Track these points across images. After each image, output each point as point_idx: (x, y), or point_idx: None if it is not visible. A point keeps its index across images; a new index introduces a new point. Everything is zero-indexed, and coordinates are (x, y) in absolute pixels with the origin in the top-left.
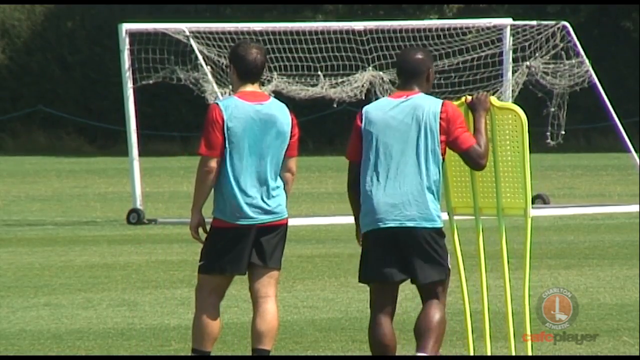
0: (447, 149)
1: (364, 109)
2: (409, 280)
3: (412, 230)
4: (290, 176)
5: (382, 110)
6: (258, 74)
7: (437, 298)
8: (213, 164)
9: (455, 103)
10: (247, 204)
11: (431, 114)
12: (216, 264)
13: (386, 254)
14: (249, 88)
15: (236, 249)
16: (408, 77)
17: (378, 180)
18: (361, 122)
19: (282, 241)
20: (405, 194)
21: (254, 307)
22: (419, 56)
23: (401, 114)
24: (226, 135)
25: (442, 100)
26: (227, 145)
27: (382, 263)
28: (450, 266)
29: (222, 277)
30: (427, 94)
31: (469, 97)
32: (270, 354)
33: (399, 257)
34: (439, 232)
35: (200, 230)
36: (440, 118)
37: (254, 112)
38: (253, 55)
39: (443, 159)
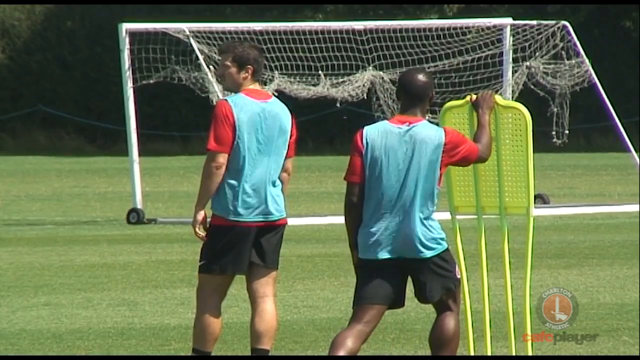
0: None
1: (365, 130)
2: (413, 293)
3: (417, 262)
4: (287, 176)
5: (385, 138)
6: (259, 73)
7: (450, 309)
8: (222, 159)
9: (459, 102)
10: (250, 202)
11: (434, 146)
12: (217, 264)
13: (385, 282)
14: (255, 86)
15: (237, 248)
16: (412, 100)
17: (377, 209)
18: (362, 143)
19: (281, 241)
20: (406, 226)
21: (253, 306)
22: (425, 79)
23: (403, 145)
24: (236, 131)
25: (442, 129)
26: (235, 142)
27: (374, 289)
28: (458, 275)
29: (224, 276)
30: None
31: (474, 96)
32: (270, 353)
33: (399, 284)
34: (444, 252)
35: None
36: (443, 151)
37: (260, 109)
38: (263, 57)
39: (439, 187)
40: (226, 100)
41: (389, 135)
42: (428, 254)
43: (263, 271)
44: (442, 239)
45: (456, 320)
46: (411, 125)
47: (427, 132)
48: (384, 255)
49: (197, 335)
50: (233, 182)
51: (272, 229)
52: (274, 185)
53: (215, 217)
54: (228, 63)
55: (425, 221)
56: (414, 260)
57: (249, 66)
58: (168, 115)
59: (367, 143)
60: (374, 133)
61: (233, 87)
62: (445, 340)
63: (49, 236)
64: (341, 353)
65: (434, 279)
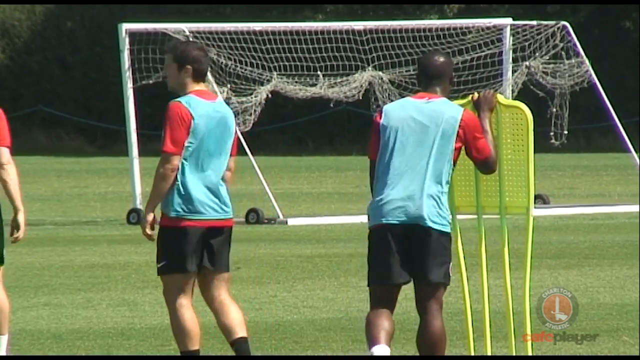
0: (459, 155)
1: (385, 106)
2: (412, 281)
3: (425, 228)
4: (230, 174)
5: (403, 109)
6: (206, 74)
7: (438, 303)
8: (177, 161)
9: (462, 101)
10: (201, 201)
11: (451, 119)
12: (176, 264)
13: (391, 254)
14: (201, 87)
15: (191, 247)
16: (431, 79)
17: (390, 177)
18: (379, 118)
19: (229, 242)
20: (417, 194)
21: (212, 309)
22: (443, 59)
23: (421, 115)
24: (191, 132)
25: (462, 108)
26: (189, 143)
27: (387, 265)
28: (451, 273)
29: (185, 275)
30: (447, 97)
31: (476, 95)
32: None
33: (405, 256)
34: (449, 237)
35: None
36: (459, 126)
37: (212, 110)
38: (206, 57)
39: (454, 165)
40: (180, 101)
41: (406, 107)
42: (433, 225)
43: (214, 275)
44: (448, 222)
45: (442, 320)
46: (430, 99)
47: (446, 106)
48: (390, 220)
49: (178, 337)
50: (184, 182)
51: (222, 230)
52: (222, 184)
53: (166, 218)
54: (169, 63)
55: (434, 195)
56: (420, 228)
57: (188, 66)
58: None
59: (384, 115)
60: (393, 105)
61: (176, 87)
62: (436, 341)
63: (49, 236)
64: (383, 335)
65: (436, 254)
